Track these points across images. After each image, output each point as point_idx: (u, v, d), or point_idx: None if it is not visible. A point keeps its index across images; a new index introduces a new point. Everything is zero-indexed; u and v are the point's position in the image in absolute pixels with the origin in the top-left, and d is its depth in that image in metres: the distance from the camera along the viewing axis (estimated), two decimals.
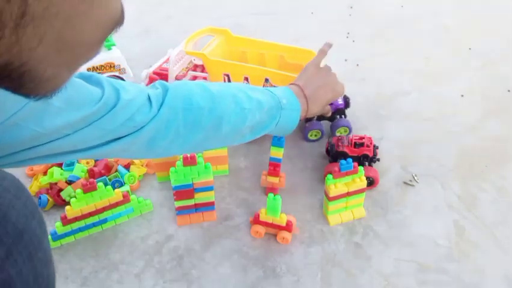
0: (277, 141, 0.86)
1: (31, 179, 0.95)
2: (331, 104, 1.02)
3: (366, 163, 0.92)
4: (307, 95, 0.80)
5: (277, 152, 0.88)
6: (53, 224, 0.83)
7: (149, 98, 0.62)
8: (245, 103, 0.70)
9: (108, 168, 0.94)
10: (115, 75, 1.14)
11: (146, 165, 0.97)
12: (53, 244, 0.83)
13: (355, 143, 0.92)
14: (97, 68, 1.11)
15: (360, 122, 1.09)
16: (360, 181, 0.83)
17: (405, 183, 0.95)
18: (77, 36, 0.30)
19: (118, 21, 0.33)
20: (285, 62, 1.07)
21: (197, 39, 1.08)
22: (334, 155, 0.93)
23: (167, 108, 0.63)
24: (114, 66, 1.13)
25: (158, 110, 0.62)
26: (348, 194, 0.84)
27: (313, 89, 0.81)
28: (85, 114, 0.54)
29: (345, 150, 0.92)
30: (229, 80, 0.99)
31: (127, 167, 0.96)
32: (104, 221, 0.85)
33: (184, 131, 0.65)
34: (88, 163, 0.94)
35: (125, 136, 0.60)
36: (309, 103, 0.80)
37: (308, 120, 1.04)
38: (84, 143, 0.57)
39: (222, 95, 0.69)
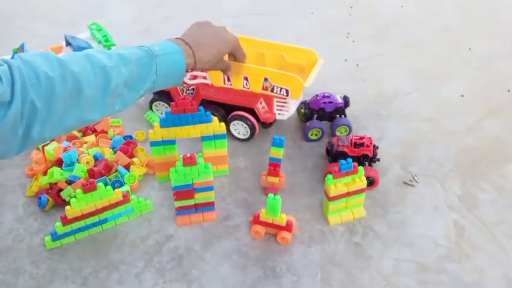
0: (277, 141, 0.86)
1: (31, 179, 0.95)
2: (330, 103, 1.02)
3: (366, 163, 0.92)
4: (189, 42, 0.78)
5: (277, 152, 0.88)
6: (53, 224, 0.84)
7: None
8: (104, 61, 0.67)
9: (108, 168, 0.94)
10: None
11: (146, 165, 0.97)
12: (53, 244, 0.83)
13: (355, 143, 0.92)
14: None
15: (360, 122, 1.09)
16: (360, 181, 0.83)
17: (405, 183, 0.95)
18: None
19: None
20: (285, 62, 1.07)
21: None
22: (334, 155, 0.93)
23: (17, 89, 0.58)
24: None
25: (12, 92, 0.58)
26: (348, 194, 0.84)
27: (196, 37, 0.80)
28: None
29: (345, 150, 0.92)
30: (228, 80, 0.99)
31: (127, 167, 0.96)
32: (104, 221, 0.85)
33: (41, 106, 0.61)
34: (88, 163, 0.94)
35: None
36: (194, 50, 0.78)
37: (308, 119, 1.04)
38: None
39: (72, 59, 0.65)
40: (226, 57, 0.90)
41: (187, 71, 0.79)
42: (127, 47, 0.73)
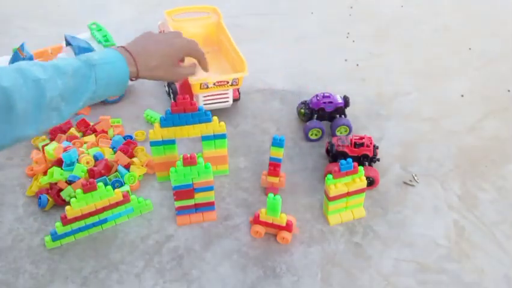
0: (277, 141, 0.86)
1: (31, 179, 0.95)
2: (330, 103, 1.02)
3: (366, 163, 0.92)
4: (131, 50, 0.76)
5: (277, 152, 0.88)
6: (53, 224, 0.84)
7: None
8: (38, 74, 0.64)
9: (108, 168, 0.94)
10: None
11: (146, 165, 0.97)
12: (53, 244, 0.83)
13: (355, 143, 0.92)
14: None
15: (360, 122, 1.09)
16: (360, 181, 0.83)
17: (405, 183, 0.95)
18: None
19: None
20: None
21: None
22: (334, 155, 0.93)
23: None
24: None
25: None
26: (348, 194, 0.84)
27: (141, 45, 0.78)
28: None
29: (345, 150, 0.92)
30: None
31: (127, 167, 0.96)
32: (104, 221, 0.85)
33: None
34: (88, 163, 0.94)
35: None
36: (136, 57, 0.76)
37: (308, 119, 1.04)
38: None
39: (2, 72, 0.62)
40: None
41: (131, 79, 0.77)
42: (65, 58, 0.71)
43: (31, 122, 0.65)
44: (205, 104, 1.05)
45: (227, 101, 1.07)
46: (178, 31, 0.86)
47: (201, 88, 1.00)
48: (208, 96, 1.04)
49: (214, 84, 0.99)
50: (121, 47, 0.78)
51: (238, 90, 1.11)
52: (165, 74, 0.82)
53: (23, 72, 0.64)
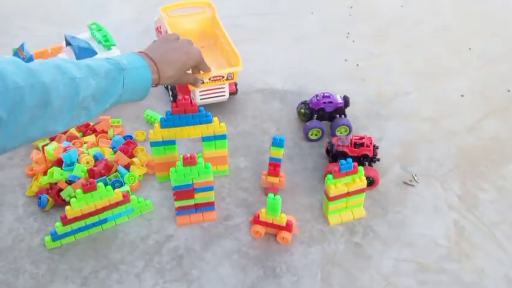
0: (277, 141, 0.86)
1: (31, 179, 0.95)
2: (330, 103, 1.02)
3: (366, 163, 0.92)
4: (153, 57, 0.78)
5: (277, 152, 0.88)
6: (53, 224, 0.84)
7: None
8: (74, 72, 0.66)
9: (108, 168, 0.94)
10: None
11: (147, 165, 0.97)
12: (53, 244, 0.83)
13: (355, 143, 0.92)
14: None
15: (360, 122, 1.09)
16: (360, 181, 0.83)
17: (405, 183, 0.95)
18: None
19: None
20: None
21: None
22: (334, 155, 0.93)
23: None
24: None
25: None
26: (348, 194, 0.84)
27: (160, 53, 0.79)
28: None
29: (345, 150, 0.92)
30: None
31: (127, 167, 0.96)
32: (104, 221, 0.85)
33: (6, 116, 0.58)
34: (88, 163, 0.94)
35: None
36: (158, 65, 0.77)
37: (308, 119, 1.04)
38: None
39: (42, 68, 0.63)
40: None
41: (152, 86, 0.78)
42: (95, 59, 0.72)
43: (62, 119, 0.66)
44: (201, 99, 1.05)
45: (223, 95, 1.08)
46: (189, 39, 0.87)
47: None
48: (205, 91, 1.04)
49: (209, 79, 0.99)
50: (144, 53, 0.78)
51: (235, 84, 1.11)
52: (178, 80, 0.85)
53: (61, 69, 0.65)
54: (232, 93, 1.11)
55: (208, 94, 1.06)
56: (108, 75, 0.70)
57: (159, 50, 0.80)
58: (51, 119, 0.64)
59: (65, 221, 0.81)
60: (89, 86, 0.67)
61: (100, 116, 1.06)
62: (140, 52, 0.79)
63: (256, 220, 0.83)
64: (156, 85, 0.79)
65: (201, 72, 0.93)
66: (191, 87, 1.02)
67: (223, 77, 1.01)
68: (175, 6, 1.16)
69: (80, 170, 0.91)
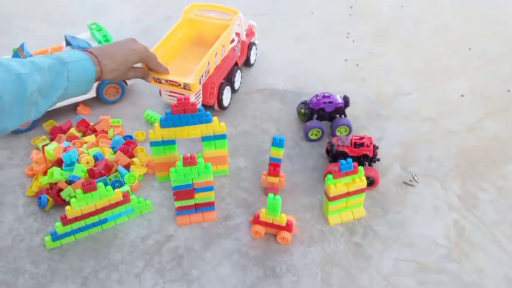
0: (277, 141, 0.86)
1: (31, 179, 0.95)
2: (330, 103, 1.02)
3: (366, 163, 0.92)
4: (93, 51, 0.80)
5: (277, 152, 0.88)
6: (53, 224, 0.84)
7: None
8: (19, 68, 0.67)
9: (108, 168, 0.94)
10: None
11: (146, 165, 0.97)
12: (53, 244, 0.83)
13: (355, 143, 0.92)
14: None
15: (360, 122, 1.09)
16: (360, 181, 0.83)
17: (405, 183, 0.95)
18: None
19: None
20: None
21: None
22: (334, 155, 0.93)
23: None
24: None
25: None
26: (348, 194, 0.84)
27: (102, 48, 0.83)
28: None
29: (345, 150, 0.92)
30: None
31: (127, 167, 0.96)
32: (104, 221, 0.85)
33: None
34: (88, 163, 0.94)
35: None
36: (99, 57, 0.80)
37: (308, 119, 1.04)
38: None
39: None
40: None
41: (95, 80, 0.80)
42: (35, 56, 0.73)
43: (14, 116, 0.67)
44: (170, 98, 1.05)
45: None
46: (133, 38, 0.90)
47: (154, 81, 0.98)
48: (172, 92, 1.03)
49: (166, 81, 0.97)
50: (84, 49, 0.81)
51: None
52: (123, 75, 0.87)
53: (5, 66, 0.66)
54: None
55: (173, 95, 1.04)
56: (51, 68, 0.72)
57: (101, 47, 0.84)
58: (2, 116, 0.66)
59: (65, 221, 0.81)
60: (35, 81, 0.69)
61: (100, 116, 1.06)
62: (82, 49, 0.81)
63: (256, 220, 0.83)
64: (99, 78, 0.81)
65: (154, 70, 0.94)
66: (152, 83, 0.99)
67: (179, 84, 0.96)
68: (205, 6, 1.16)
69: (80, 170, 0.91)
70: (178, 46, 1.13)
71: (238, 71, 1.16)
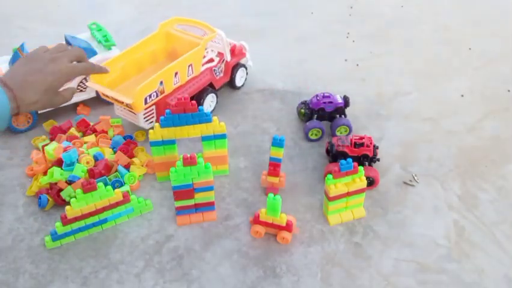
0: (277, 141, 0.86)
1: (31, 179, 0.95)
2: (330, 103, 1.02)
3: (366, 163, 0.92)
4: (10, 83, 0.69)
5: (277, 152, 0.88)
6: (53, 224, 0.84)
7: None
8: None
9: (108, 168, 0.94)
10: None
11: (146, 165, 0.97)
12: (53, 244, 0.83)
13: (355, 143, 0.92)
14: None
15: (360, 122, 1.09)
16: (360, 181, 0.83)
17: (405, 183, 0.95)
18: None
19: None
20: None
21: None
22: (334, 155, 0.93)
23: None
24: None
25: None
26: (348, 194, 0.84)
27: (20, 78, 0.70)
28: None
29: (345, 150, 0.92)
30: None
31: (127, 167, 0.96)
32: (104, 221, 0.85)
33: None
34: (88, 163, 0.94)
35: None
36: (16, 91, 0.68)
37: (308, 119, 1.04)
38: None
39: None
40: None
41: (13, 115, 0.70)
42: None
43: None
44: (118, 110, 1.03)
45: (135, 120, 1.00)
46: (59, 46, 0.77)
47: (102, 95, 0.96)
48: (121, 108, 1.00)
49: (112, 97, 0.95)
50: (1, 80, 0.70)
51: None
52: (44, 106, 0.74)
53: None
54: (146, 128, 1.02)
55: (122, 110, 1.02)
56: None
57: (19, 74, 0.72)
58: None
59: (65, 221, 0.81)
60: None
61: (100, 116, 1.06)
62: None
63: (256, 220, 0.83)
64: (17, 114, 0.71)
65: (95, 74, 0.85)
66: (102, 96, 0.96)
67: (122, 102, 0.94)
68: (186, 21, 1.11)
69: (80, 170, 0.91)
70: (149, 59, 1.09)
71: (212, 94, 1.08)
